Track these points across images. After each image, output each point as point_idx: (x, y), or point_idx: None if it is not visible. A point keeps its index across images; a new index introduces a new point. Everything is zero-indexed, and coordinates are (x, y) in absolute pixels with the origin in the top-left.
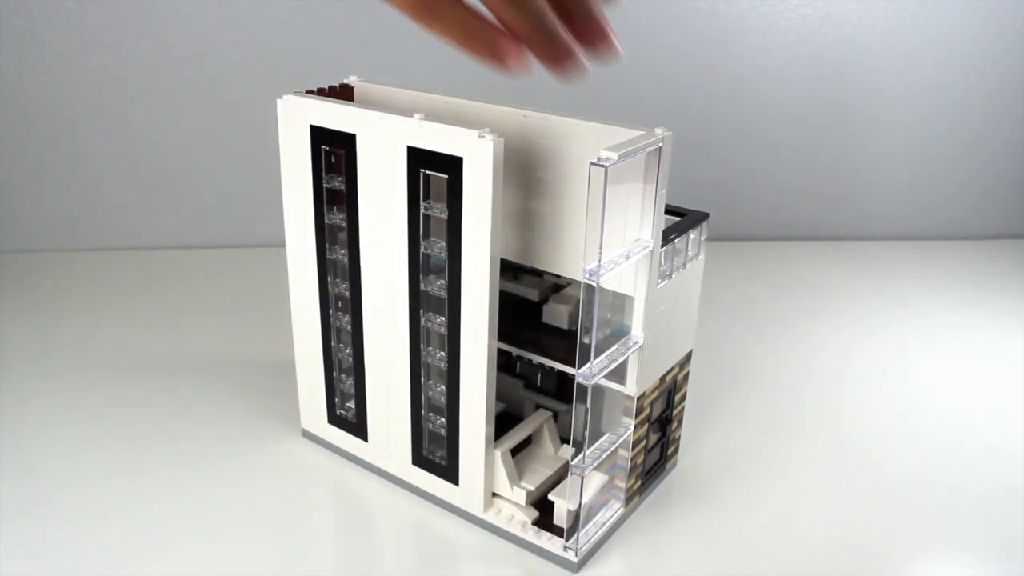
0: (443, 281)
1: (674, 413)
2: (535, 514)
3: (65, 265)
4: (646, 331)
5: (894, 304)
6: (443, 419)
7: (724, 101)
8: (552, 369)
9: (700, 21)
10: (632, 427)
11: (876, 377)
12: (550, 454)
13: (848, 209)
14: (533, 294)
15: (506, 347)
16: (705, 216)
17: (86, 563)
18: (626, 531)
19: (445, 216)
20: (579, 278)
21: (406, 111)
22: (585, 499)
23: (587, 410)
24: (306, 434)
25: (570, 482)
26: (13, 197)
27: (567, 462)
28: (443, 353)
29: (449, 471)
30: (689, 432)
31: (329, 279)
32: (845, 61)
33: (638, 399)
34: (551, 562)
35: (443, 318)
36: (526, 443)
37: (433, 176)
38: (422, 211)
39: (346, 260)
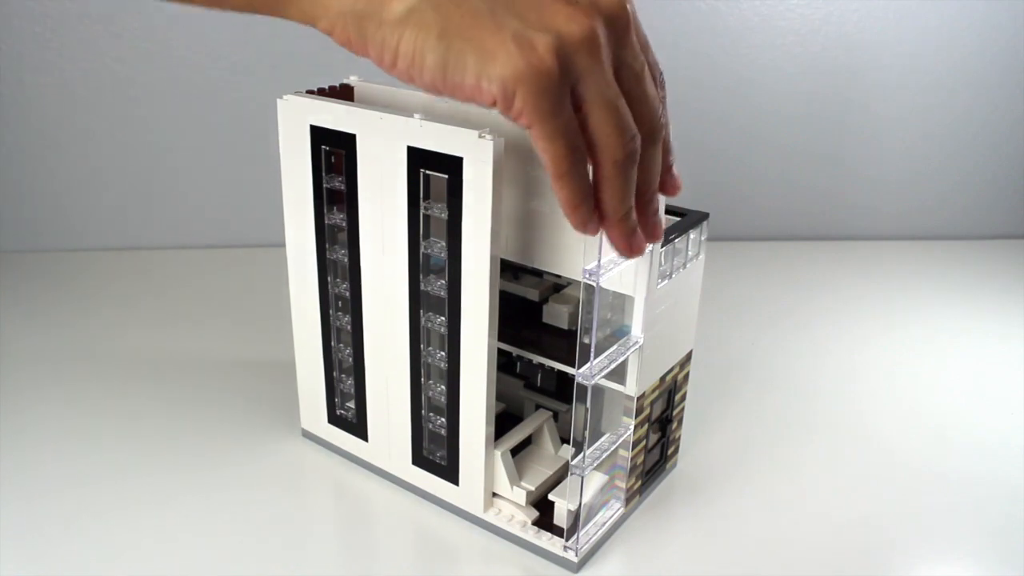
0: (443, 281)
1: (674, 413)
2: (535, 514)
3: (65, 265)
4: (646, 331)
5: (894, 304)
6: (443, 419)
7: (724, 101)
8: (552, 369)
9: (700, 21)
10: (632, 427)
11: (876, 377)
12: (550, 454)
13: (848, 209)
14: (533, 294)
15: (506, 347)
16: (705, 216)
17: (86, 563)
18: (626, 531)
19: (445, 216)
20: (579, 278)
21: (406, 111)
22: (585, 499)
23: (587, 410)
24: (306, 434)
25: (570, 482)
26: (13, 197)
27: (567, 462)
28: (443, 353)
29: (449, 471)
30: (689, 432)
31: (329, 279)
32: (845, 61)
33: (638, 399)
34: (551, 562)
35: (443, 318)
36: (526, 443)
37: (433, 176)
38: (422, 211)
39: (346, 260)
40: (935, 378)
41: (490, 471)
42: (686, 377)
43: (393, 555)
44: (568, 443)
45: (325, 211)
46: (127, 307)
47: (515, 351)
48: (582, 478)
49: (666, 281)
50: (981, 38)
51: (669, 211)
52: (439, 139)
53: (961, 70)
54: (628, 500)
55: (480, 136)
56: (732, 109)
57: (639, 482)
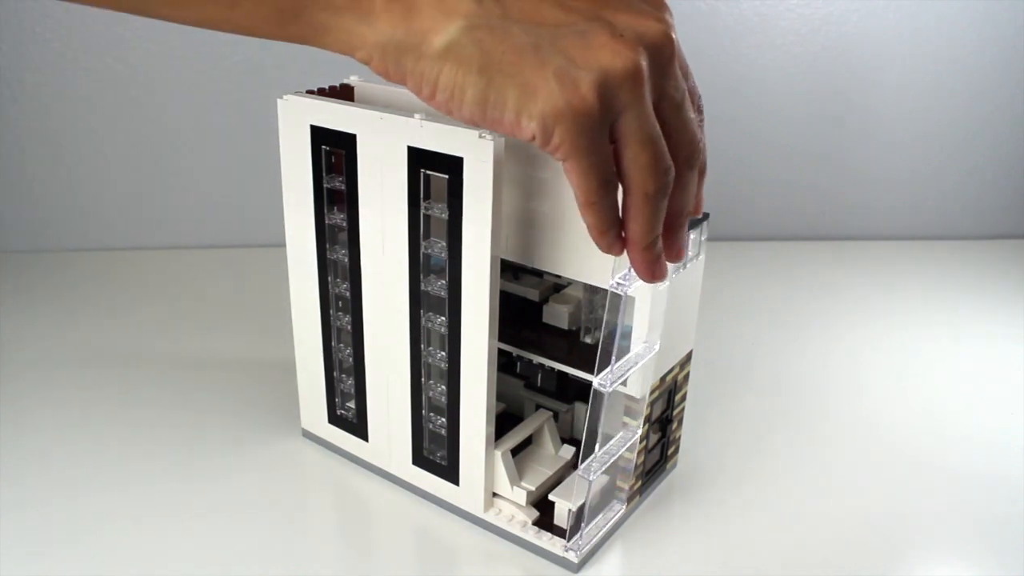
0: (443, 281)
1: (674, 413)
2: (535, 514)
3: (65, 265)
4: (651, 333)
5: (894, 304)
6: (443, 419)
7: (724, 101)
8: (552, 369)
9: (699, 21)
10: (639, 429)
11: (876, 376)
12: (550, 454)
13: (848, 209)
14: (533, 294)
15: (506, 347)
16: (705, 216)
17: (86, 562)
18: (626, 531)
19: (445, 216)
20: (579, 278)
21: (406, 111)
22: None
23: (599, 415)
24: (306, 434)
25: (576, 484)
26: (13, 197)
27: (567, 462)
28: (443, 353)
29: (449, 471)
30: (689, 432)
31: (329, 279)
32: (845, 61)
33: (640, 400)
34: (551, 562)
35: (443, 318)
36: (526, 443)
37: (433, 176)
38: (422, 211)
39: (346, 260)
40: (935, 378)
41: (490, 471)
42: (686, 377)
43: (393, 555)
44: (568, 443)
45: (325, 211)
46: (127, 307)
47: (515, 351)
48: (590, 482)
49: (666, 281)
50: (981, 38)
51: None
52: (439, 139)
53: (961, 70)
54: (628, 500)
55: (480, 136)
56: (732, 109)
57: (639, 482)
